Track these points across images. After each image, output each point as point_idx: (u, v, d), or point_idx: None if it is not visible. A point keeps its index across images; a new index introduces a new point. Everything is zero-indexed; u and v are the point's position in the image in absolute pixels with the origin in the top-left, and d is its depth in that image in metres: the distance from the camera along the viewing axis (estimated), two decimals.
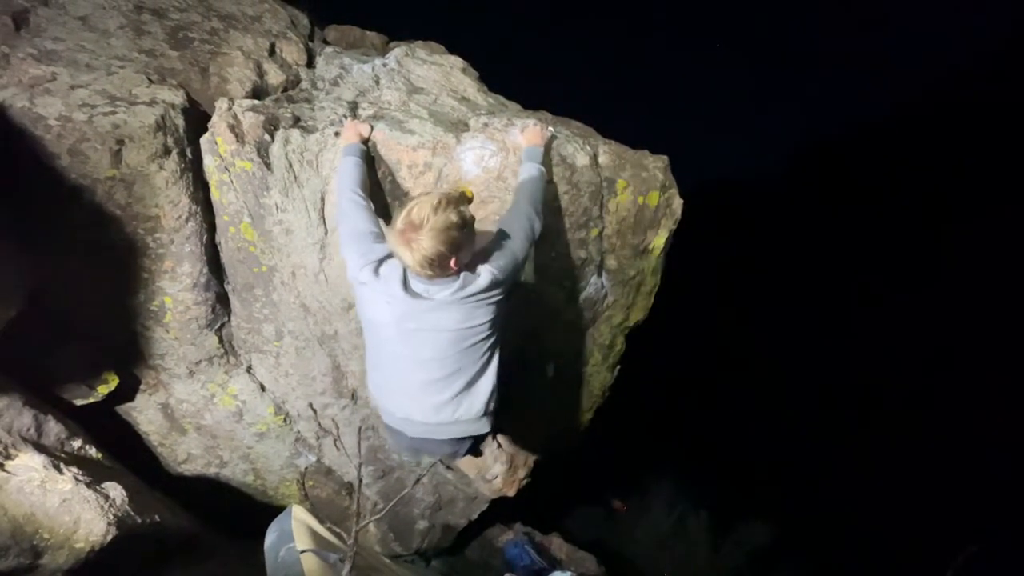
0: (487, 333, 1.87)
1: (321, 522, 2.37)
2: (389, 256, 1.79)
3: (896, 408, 9.79)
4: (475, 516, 3.88)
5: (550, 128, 2.34)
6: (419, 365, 1.88)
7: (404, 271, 1.76)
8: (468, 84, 2.79)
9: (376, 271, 1.79)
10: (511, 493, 3.30)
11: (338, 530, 2.16)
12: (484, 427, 2.01)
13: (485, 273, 1.79)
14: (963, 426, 9.05)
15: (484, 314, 1.83)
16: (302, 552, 2.18)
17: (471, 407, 1.95)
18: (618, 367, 2.85)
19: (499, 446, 3.09)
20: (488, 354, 1.92)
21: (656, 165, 2.35)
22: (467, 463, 3.11)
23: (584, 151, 2.28)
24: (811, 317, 11.19)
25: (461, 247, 1.71)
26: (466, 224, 1.71)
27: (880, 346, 10.59)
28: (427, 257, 1.65)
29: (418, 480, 3.41)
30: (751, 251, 12.13)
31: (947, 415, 9.32)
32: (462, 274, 1.76)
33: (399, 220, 1.67)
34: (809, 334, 10.98)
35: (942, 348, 9.98)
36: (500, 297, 1.84)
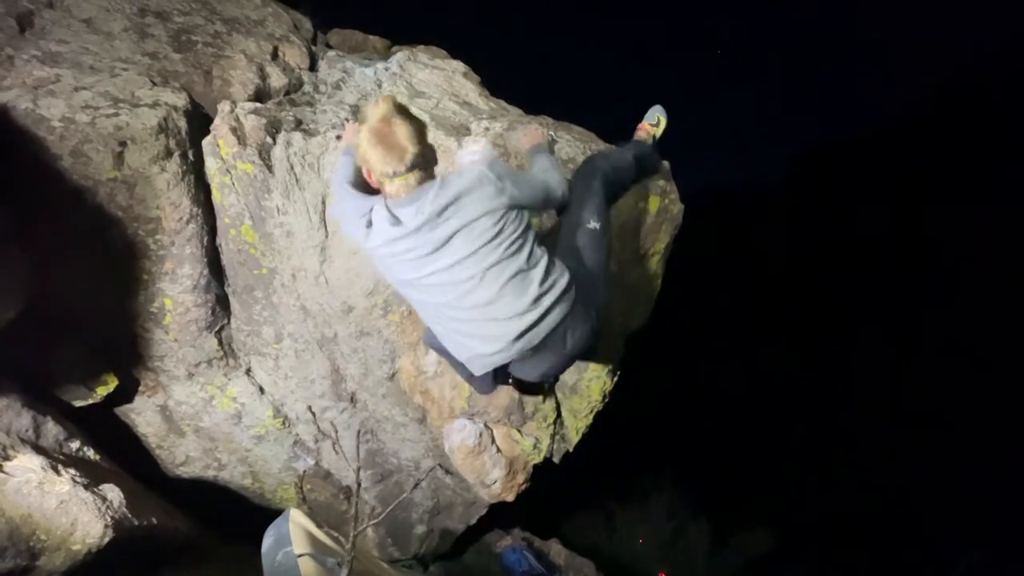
0: (508, 247, 1.63)
1: (319, 526, 2.36)
2: (373, 207, 1.67)
3: (897, 415, 9.77)
4: (474, 521, 3.87)
5: (551, 132, 2.35)
6: (464, 307, 1.68)
7: (387, 207, 1.62)
8: (470, 88, 2.80)
9: (368, 224, 1.66)
10: (510, 498, 3.28)
11: (336, 534, 2.15)
12: (564, 285, 1.71)
13: (469, 168, 1.64)
14: (966, 434, 9.03)
15: (488, 225, 1.60)
16: (299, 556, 2.17)
17: (538, 289, 1.66)
18: (618, 372, 2.84)
19: (498, 451, 3.08)
20: (527, 252, 1.67)
21: None
22: (466, 467, 3.10)
23: (584, 155, 2.29)
24: (813, 323, 11.18)
25: (423, 131, 1.62)
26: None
27: (883, 352, 10.58)
28: (398, 136, 1.55)
29: (416, 484, 3.39)
30: (752, 256, 12.14)
31: (950, 423, 9.30)
32: (448, 175, 1.64)
33: (363, 132, 1.60)
34: (811, 340, 10.97)
35: (946, 355, 9.97)
36: (498, 201, 1.61)
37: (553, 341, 1.73)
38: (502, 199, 1.62)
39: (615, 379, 2.85)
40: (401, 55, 2.94)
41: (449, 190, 1.59)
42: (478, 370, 1.81)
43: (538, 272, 1.67)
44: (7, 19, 2.38)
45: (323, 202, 2.37)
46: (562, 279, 1.71)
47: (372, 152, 1.59)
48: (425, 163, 1.62)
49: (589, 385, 2.81)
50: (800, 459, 9.06)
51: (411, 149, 1.57)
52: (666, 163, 2.41)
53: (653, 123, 2.32)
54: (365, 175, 1.68)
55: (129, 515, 2.34)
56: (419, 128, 1.62)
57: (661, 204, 2.34)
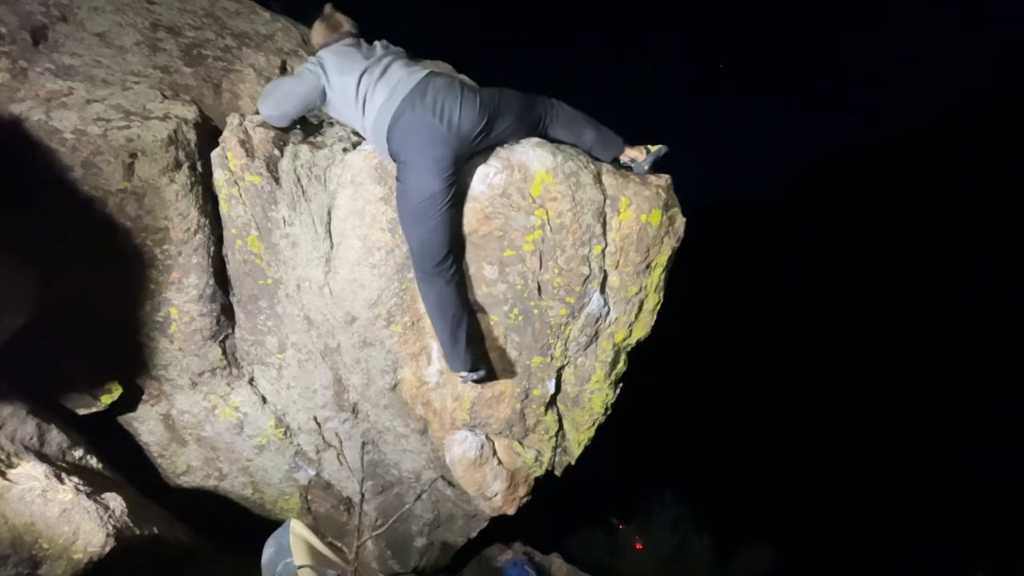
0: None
1: (320, 537, 2.36)
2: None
3: (905, 431, 9.70)
4: (474, 534, 3.84)
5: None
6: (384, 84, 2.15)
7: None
8: None
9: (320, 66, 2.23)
10: (511, 511, 3.27)
11: (337, 545, 2.15)
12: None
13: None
14: (976, 448, 8.95)
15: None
16: (300, 568, 2.17)
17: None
18: (620, 384, 2.84)
19: (499, 463, 3.08)
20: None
21: (659, 184, 2.37)
22: (467, 480, 3.09)
23: (588, 169, 2.31)
24: (815, 335, 11.15)
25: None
26: None
27: (890, 364, 10.54)
28: (339, 18, 2.33)
29: (418, 497, 3.39)
30: (754, 269, 12.14)
31: (957, 437, 9.22)
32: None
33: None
34: (814, 353, 10.93)
35: (956, 367, 9.92)
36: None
37: (418, 95, 2.08)
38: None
39: (617, 391, 2.85)
40: None
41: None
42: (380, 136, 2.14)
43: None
44: (21, 32, 2.43)
45: (329, 213, 2.40)
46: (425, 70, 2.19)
47: (319, 29, 2.32)
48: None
49: (591, 397, 2.81)
50: (805, 474, 8.98)
51: (347, 24, 2.32)
52: (668, 176, 2.44)
53: (649, 149, 2.41)
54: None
55: (131, 524, 2.34)
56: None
57: (663, 217, 2.36)
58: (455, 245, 2.26)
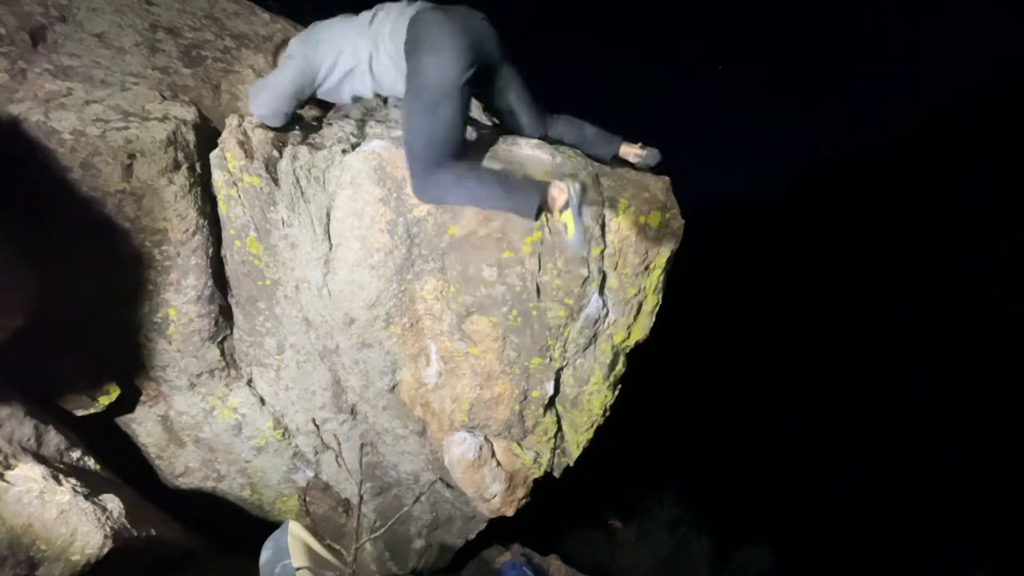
0: None
1: (320, 539, 2.35)
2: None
3: (905, 429, 9.70)
4: (473, 536, 3.84)
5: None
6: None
7: None
8: (473, 105, 2.84)
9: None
10: (510, 513, 3.26)
11: (336, 547, 2.14)
12: None
13: None
14: (972, 450, 8.95)
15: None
16: (298, 569, 2.16)
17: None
18: (619, 386, 2.84)
19: (498, 464, 3.08)
20: None
21: (658, 186, 2.38)
22: (466, 481, 3.09)
23: (586, 170, 2.31)
24: (815, 338, 11.16)
25: None
26: None
27: (889, 367, 10.54)
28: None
29: (417, 498, 3.39)
30: (753, 271, 12.15)
31: (958, 437, 9.23)
32: None
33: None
34: (813, 355, 10.94)
35: (955, 368, 9.92)
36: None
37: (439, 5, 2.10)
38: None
39: (616, 393, 2.85)
40: None
41: None
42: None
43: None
44: (20, 33, 2.42)
45: (327, 215, 2.40)
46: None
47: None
48: None
49: (590, 399, 2.81)
50: (804, 475, 8.98)
51: None
52: (667, 178, 2.44)
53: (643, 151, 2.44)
54: None
55: (128, 526, 2.33)
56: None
57: (662, 219, 2.36)
58: (462, 149, 2.16)
